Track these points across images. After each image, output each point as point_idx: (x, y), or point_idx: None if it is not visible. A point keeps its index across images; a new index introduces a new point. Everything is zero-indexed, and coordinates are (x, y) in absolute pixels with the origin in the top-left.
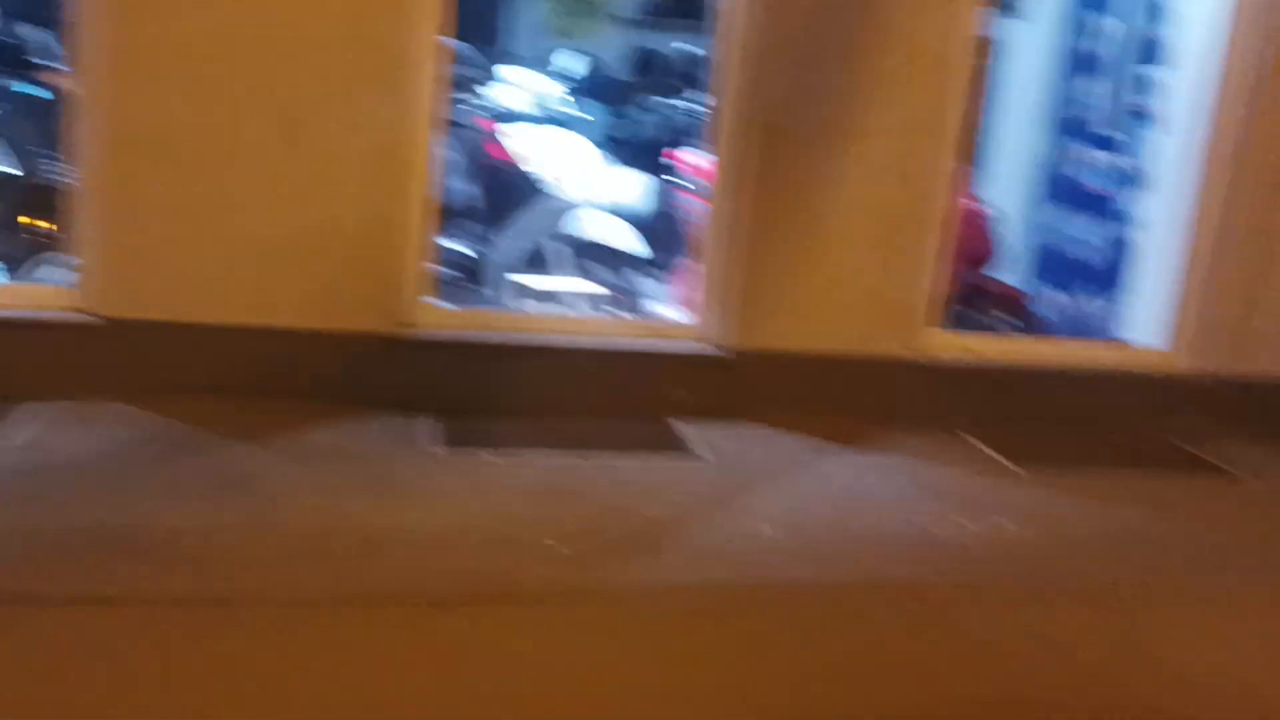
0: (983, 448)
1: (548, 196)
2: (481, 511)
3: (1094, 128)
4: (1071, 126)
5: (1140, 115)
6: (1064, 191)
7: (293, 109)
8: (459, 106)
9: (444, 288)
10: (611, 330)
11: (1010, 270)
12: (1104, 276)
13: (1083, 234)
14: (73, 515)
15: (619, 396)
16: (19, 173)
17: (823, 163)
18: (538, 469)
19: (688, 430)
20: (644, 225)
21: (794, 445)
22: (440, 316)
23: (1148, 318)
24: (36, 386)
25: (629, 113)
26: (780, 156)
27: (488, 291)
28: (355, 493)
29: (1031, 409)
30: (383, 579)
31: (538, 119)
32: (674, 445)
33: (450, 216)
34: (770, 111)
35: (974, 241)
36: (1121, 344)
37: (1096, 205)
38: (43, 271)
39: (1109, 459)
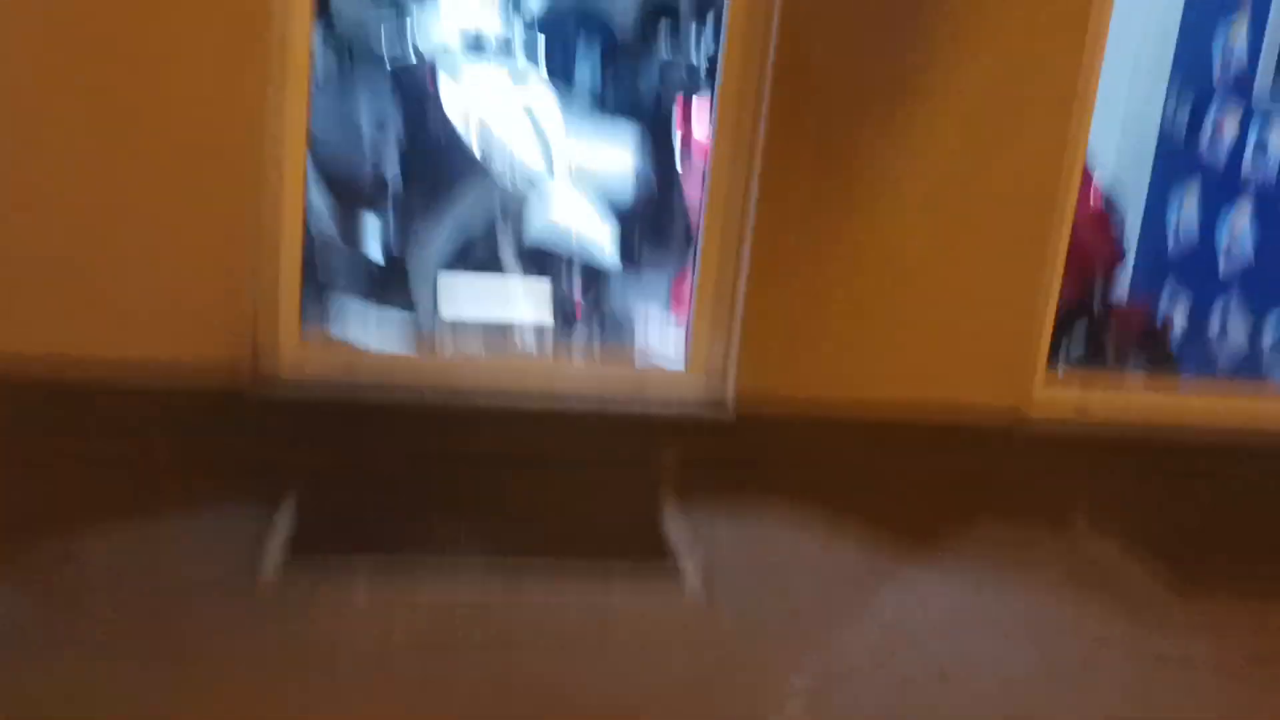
0: (1117, 558)
1: (492, 174)
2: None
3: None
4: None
5: None
6: (1207, 174)
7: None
8: (369, 43)
9: (332, 310)
10: (572, 376)
11: (1137, 285)
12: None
13: (1234, 233)
14: None
15: (575, 477)
16: None
17: (879, 128)
18: (425, 614)
19: (675, 528)
20: (631, 217)
21: (832, 554)
22: (314, 356)
23: None
24: None
25: (618, 58)
26: (815, 117)
27: (399, 313)
28: (120, 670)
29: (1183, 490)
30: None
31: (482, 62)
32: (655, 558)
33: (349, 204)
34: (798, 53)
35: (1095, 245)
36: None
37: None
38: None
39: None
